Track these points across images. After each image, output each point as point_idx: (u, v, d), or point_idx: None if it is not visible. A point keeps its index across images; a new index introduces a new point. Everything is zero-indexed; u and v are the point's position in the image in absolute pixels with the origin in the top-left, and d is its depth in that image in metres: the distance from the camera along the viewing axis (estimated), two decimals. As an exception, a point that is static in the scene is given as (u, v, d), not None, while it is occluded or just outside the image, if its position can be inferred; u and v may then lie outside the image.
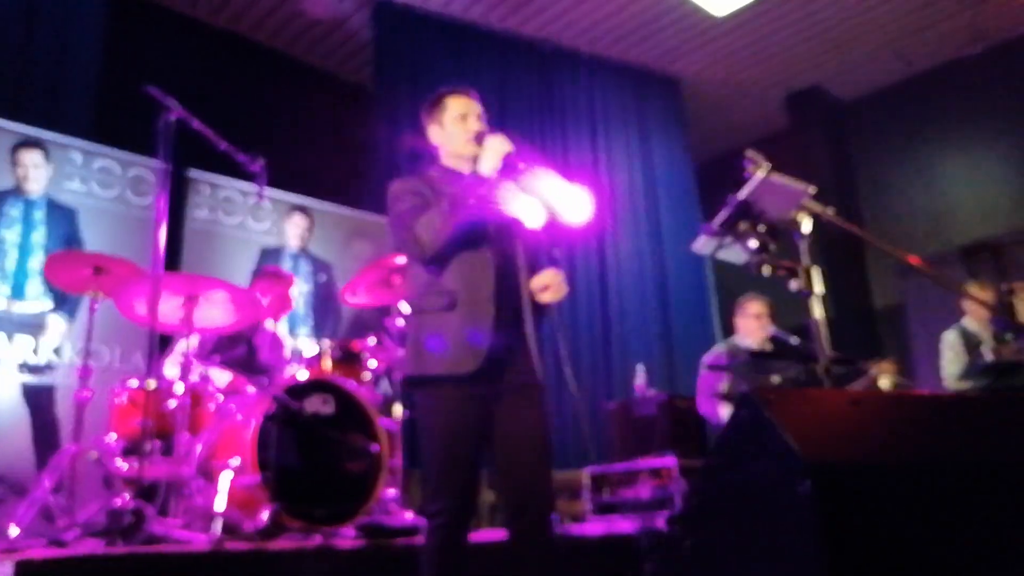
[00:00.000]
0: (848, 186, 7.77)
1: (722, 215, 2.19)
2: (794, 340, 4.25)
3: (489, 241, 2.24)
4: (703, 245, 2.28)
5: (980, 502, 1.37)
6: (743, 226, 2.16)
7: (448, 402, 2.16)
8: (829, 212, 2.19)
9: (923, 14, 6.76)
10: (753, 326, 4.51)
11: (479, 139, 2.30)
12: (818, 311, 2.17)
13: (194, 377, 3.65)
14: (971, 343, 4.64)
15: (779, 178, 2.13)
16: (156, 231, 3.19)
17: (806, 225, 2.19)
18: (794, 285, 2.15)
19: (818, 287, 2.14)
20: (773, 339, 4.45)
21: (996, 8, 6.66)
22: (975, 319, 4.74)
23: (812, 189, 2.17)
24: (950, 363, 4.63)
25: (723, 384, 4.32)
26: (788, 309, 4.48)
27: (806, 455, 1.24)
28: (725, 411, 4.29)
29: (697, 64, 7.49)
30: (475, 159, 2.28)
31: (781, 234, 2.23)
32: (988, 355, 4.14)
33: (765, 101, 8.06)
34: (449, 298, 2.18)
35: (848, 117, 8.08)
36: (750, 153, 2.25)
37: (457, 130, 2.36)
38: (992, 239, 6.60)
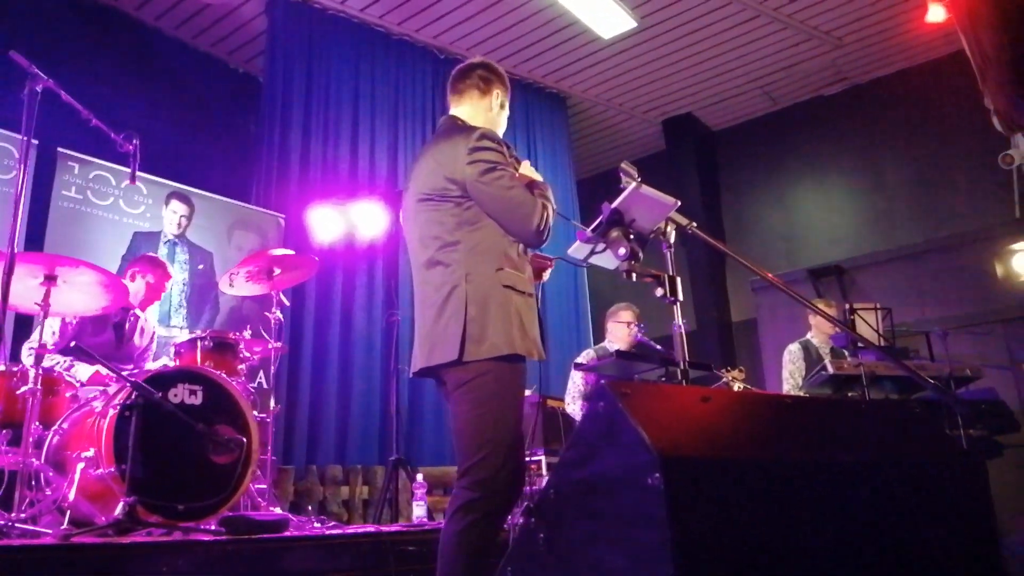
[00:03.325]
0: (714, 208, 8.35)
1: (595, 222, 2.33)
2: (658, 347, 4.53)
3: None
4: (577, 250, 2.40)
5: (819, 498, 1.43)
6: (615, 233, 2.30)
7: (523, 384, 2.12)
8: (693, 225, 2.38)
9: (788, 54, 7.37)
10: (623, 332, 4.76)
11: None
12: (679, 317, 2.34)
13: (56, 365, 3.45)
14: (812, 356, 5.08)
15: (649, 190, 2.29)
16: (15, 205, 2.99)
17: (672, 236, 2.37)
18: (659, 292, 2.30)
19: (680, 295, 2.31)
20: (639, 345, 4.70)
21: (853, 52, 7.35)
22: (819, 334, 5.19)
23: (678, 203, 2.35)
24: (791, 374, 5.04)
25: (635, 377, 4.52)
26: (654, 320, 4.81)
27: (657, 447, 1.24)
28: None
29: (583, 84, 7.81)
30: None
31: (649, 243, 2.39)
32: (829, 368, 4.54)
33: (644, 124, 8.51)
34: (530, 283, 2.22)
35: (717, 144, 8.66)
36: (624, 165, 2.40)
37: (502, 119, 2.43)
38: (837, 262, 7.27)
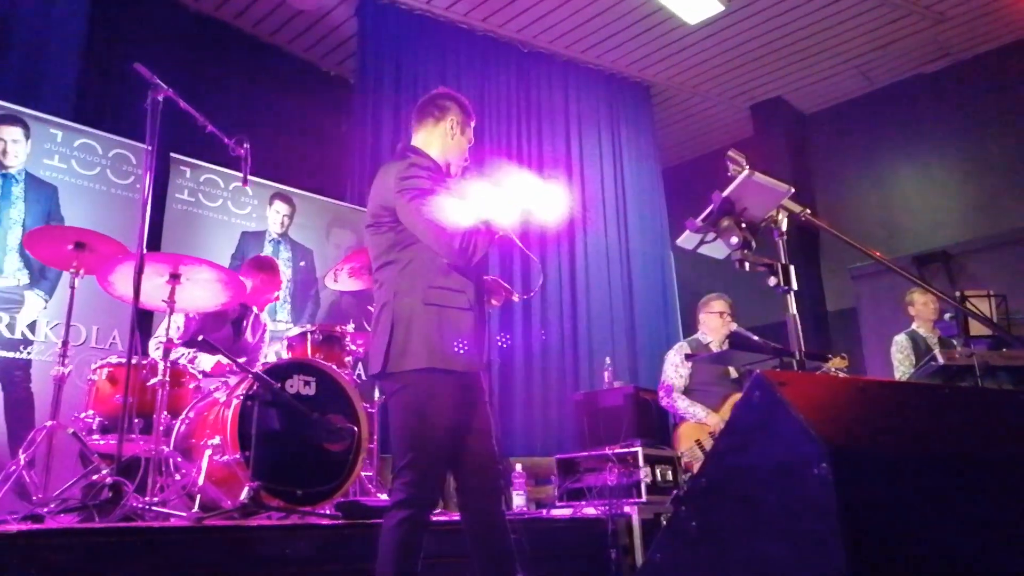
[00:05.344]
0: (807, 194, 8.07)
1: (705, 212, 2.31)
2: (754, 337, 4.45)
3: None
4: (686, 240, 2.39)
5: (985, 490, 1.40)
6: (726, 222, 2.27)
7: (453, 397, 2.24)
8: (807, 212, 2.34)
9: (884, 32, 7.06)
10: (717, 323, 4.69)
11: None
12: (793, 307, 2.30)
13: (181, 358, 3.66)
14: (920, 347, 4.89)
15: (761, 177, 2.26)
16: (142, 209, 3.18)
17: (784, 224, 2.32)
18: (772, 281, 2.26)
19: (795, 283, 2.27)
20: (733, 335, 4.63)
21: (954, 27, 6.99)
22: (923, 324, 5.00)
23: (791, 190, 2.31)
24: (900, 364, 4.87)
25: (729, 368, 4.49)
26: (743, 309, 4.75)
27: (823, 437, 1.24)
28: (684, 403, 4.46)
29: (668, 71, 7.69)
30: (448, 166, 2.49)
31: (760, 232, 2.36)
32: (940, 359, 4.36)
33: (731, 110, 8.31)
34: (464, 298, 2.30)
35: (809, 128, 8.38)
36: (732, 153, 2.37)
37: (460, 142, 2.53)
38: (943, 248, 6.93)
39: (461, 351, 2.24)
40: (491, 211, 2.34)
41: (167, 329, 3.37)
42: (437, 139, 2.49)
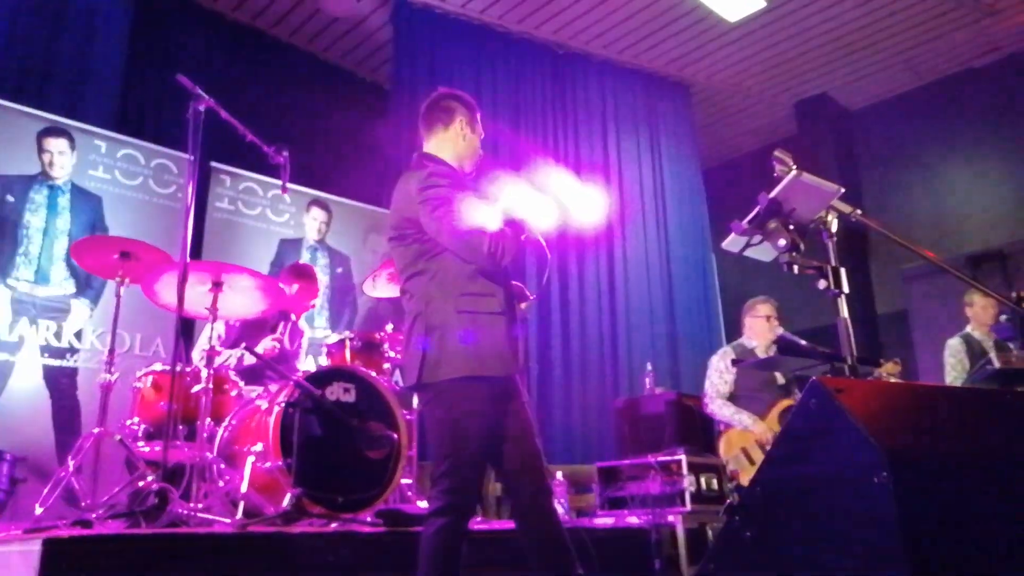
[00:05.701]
0: (853, 194, 7.85)
1: (752, 213, 2.24)
2: (802, 342, 4.32)
3: None
4: (732, 243, 2.32)
5: None
6: (773, 224, 2.20)
7: (490, 403, 2.22)
8: (857, 213, 2.25)
9: (932, 25, 6.85)
10: (762, 327, 4.57)
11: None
12: (844, 310, 2.22)
13: (229, 359, 3.69)
14: (974, 350, 4.72)
15: (810, 178, 2.18)
16: (185, 219, 3.22)
17: (834, 225, 2.24)
18: (822, 284, 2.19)
19: (845, 286, 2.19)
20: (781, 340, 4.51)
21: (1005, 20, 6.75)
22: (978, 327, 4.82)
23: (841, 190, 2.23)
24: (953, 368, 4.70)
25: (776, 374, 4.37)
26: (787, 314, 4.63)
27: (883, 445, 1.23)
28: (729, 410, 4.35)
29: (707, 69, 7.57)
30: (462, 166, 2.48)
31: (808, 233, 2.28)
32: (995, 362, 4.20)
33: (773, 108, 8.15)
34: (498, 301, 2.28)
35: (855, 125, 8.17)
36: (778, 152, 2.30)
37: (472, 142, 2.49)
38: (998, 248, 6.68)
39: (496, 356, 2.23)
40: (520, 211, 2.32)
41: (210, 337, 3.41)
42: (449, 143, 2.46)
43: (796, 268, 2.20)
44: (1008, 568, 1.25)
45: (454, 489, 2.15)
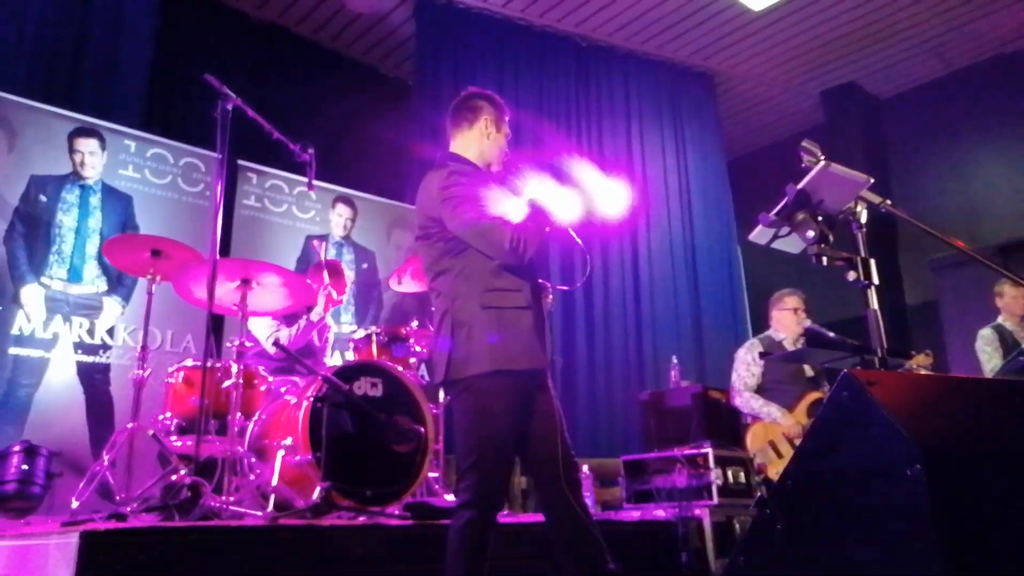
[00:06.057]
0: (883, 183, 7.73)
1: (779, 205, 2.22)
2: (831, 334, 4.27)
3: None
4: (759, 235, 2.29)
5: None
6: (801, 216, 2.18)
7: (517, 397, 2.24)
8: (887, 203, 2.22)
9: (964, 10, 6.71)
10: (790, 320, 4.52)
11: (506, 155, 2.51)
12: (874, 302, 2.19)
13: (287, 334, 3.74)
14: (1007, 341, 4.65)
15: (839, 168, 2.16)
16: (214, 217, 3.27)
17: (863, 216, 2.22)
18: (851, 276, 2.16)
19: (875, 278, 2.16)
20: (809, 332, 4.46)
21: (1037, 5, 6.61)
22: (1010, 317, 4.75)
23: (870, 180, 2.20)
24: (990, 359, 4.64)
25: (805, 367, 4.34)
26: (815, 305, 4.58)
27: (917, 438, 1.22)
28: (757, 403, 4.31)
29: (732, 60, 7.49)
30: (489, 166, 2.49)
31: (837, 224, 2.25)
32: (1028, 352, 4.13)
33: (799, 97, 8.05)
34: (523, 296, 2.30)
35: (884, 114, 8.04)
36: (806, 143, 2.27)
37: (498, 139, 2.50)
38: (1030, 238, 6.56)
39: (522, 350, 2.24)
40: (544, 204, 2.32)
41: (240, 333, 3.45)
42: (474, 142, 2.47)
43: (825, 260, 2.18)
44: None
45: (481, 483, 2.17)
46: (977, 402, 1.49)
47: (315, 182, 3.94)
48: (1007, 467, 1.29)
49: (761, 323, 4.90)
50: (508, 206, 2.29)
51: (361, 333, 4.00)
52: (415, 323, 4.09)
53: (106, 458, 3.28)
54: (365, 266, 5.64)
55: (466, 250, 2.29)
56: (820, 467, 1.40)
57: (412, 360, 3.96)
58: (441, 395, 4.12)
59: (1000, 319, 4.78)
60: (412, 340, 3.98)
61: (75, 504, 3.16)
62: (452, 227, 2.28)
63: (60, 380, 4.23)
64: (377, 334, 3.90)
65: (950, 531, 1.16)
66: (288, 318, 3.97)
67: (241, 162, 5.18)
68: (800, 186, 2.20)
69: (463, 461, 2.22)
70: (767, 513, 1.41)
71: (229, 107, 3.34)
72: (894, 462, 1.23)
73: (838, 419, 1.38)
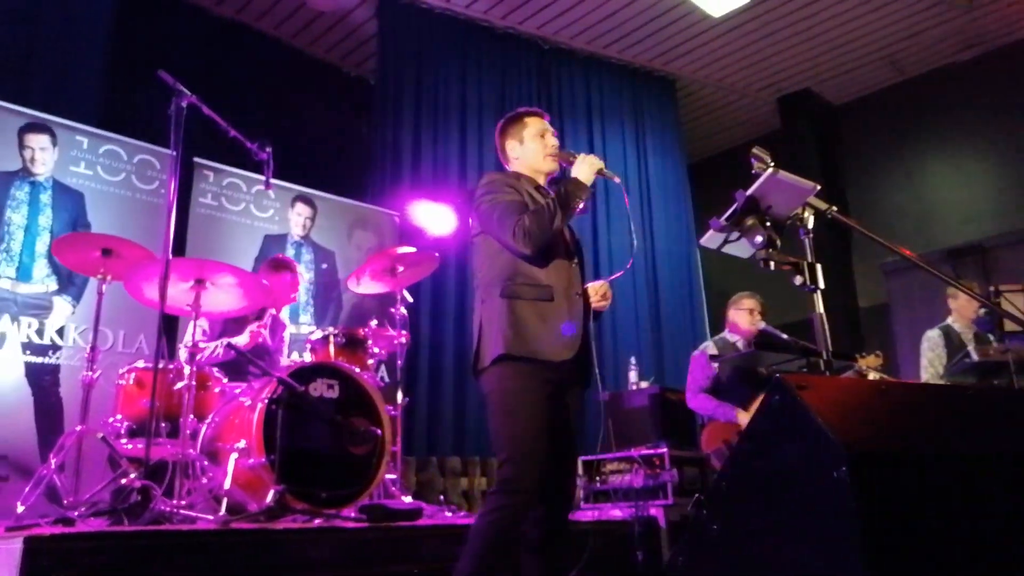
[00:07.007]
0: (837, 188, 7.93)
1: (729, 210, 2.26)
2: (784, 336, 4.37)
3: (567, 243, 2.47)
4: (710, 239, 2.34)
5: (1004, 492, 1.39)
6: (750, 221, 2.23)
7: (542, 384, 2.26)
8: (833, 209, 2.28)
9: (915, 20, 6.90)
10: (746, 321, 4.61)
11: (555, 155, 2.58)
12: (820, 306, 2.25)
13: (216, 352, 3.68)
14: (954, 342, 4.76)
15: (786, 175, 2.21)
16: (167, 215, 3.21)
17: (811, 222, 2.27)
18: (798, 280, 2.21)
19: (821, 282, 2.22)
20: (762, 334, 4.54)
21: (987, 15, 6.81)
22: (960, 319, 4.86)
23: (817, 187, 2.25)
24: (931, 362, 4.74)
25: (759, 368, 4.40)
26: (774, 308, 4.67)
27: (842, 441, 1.25)
28: (711, 404, 4.38)
29: (693, 64, 7.60)
30: (548, 172, 2.58)
31: (786, 230, 2.31)
32: (974, 355, 4.25)
33: (757, 103, 8.20)
34: (547, 290, 2.34)
35: (838, 120, 8.23)
36: (756, 150, 2.32)
37: (536, 146, 2.57)
38: (978, 242, 6.76)
39: (540, 340, 2.27)
40: (574, 187, 2.41)
41: (192, 334, 3.40)
42: (514, 153, 2.60)
43: (772, 264, 2.23)
44: (967, 566, 1.28)
45: (510, 481, 2.16)
46: (907, 405, 1.53)
47: (274, 181, 3.91)
48: (929, 468, 1.33)
49: (720, 325, 4.97)
50: (519, 200, 2.39)
51: (319, 334, 3.97)
52: (374, 323, 4.08)
53: (54, 461, 3.21)
54: (324, 266, 5.59)
55: (498, 249, 2.39)
56: (754, 468, 1.44)
57: (370, 361, 3.93)
58: (399, 396, 4.10)
59: (950, 320, 4.89)
60: (370, 341, 3.96)
61: (21, 509, 3.09)
62: (483, 227, 2.43)
63: (7, 381, 4.11)
64: (335, 335, 3.87)
65: (873, 530, 1.19)
66: (236, 320, 3.91)
67: (197, 160, 5.10)
68: (749, 192, 2.25)
69: (497, 455, 2.24)
70: (704, 513, 1.45)
71: (184, 104, 3.30)
72: (822, 464, 1.26)
73: (770, 422, 1.41)
